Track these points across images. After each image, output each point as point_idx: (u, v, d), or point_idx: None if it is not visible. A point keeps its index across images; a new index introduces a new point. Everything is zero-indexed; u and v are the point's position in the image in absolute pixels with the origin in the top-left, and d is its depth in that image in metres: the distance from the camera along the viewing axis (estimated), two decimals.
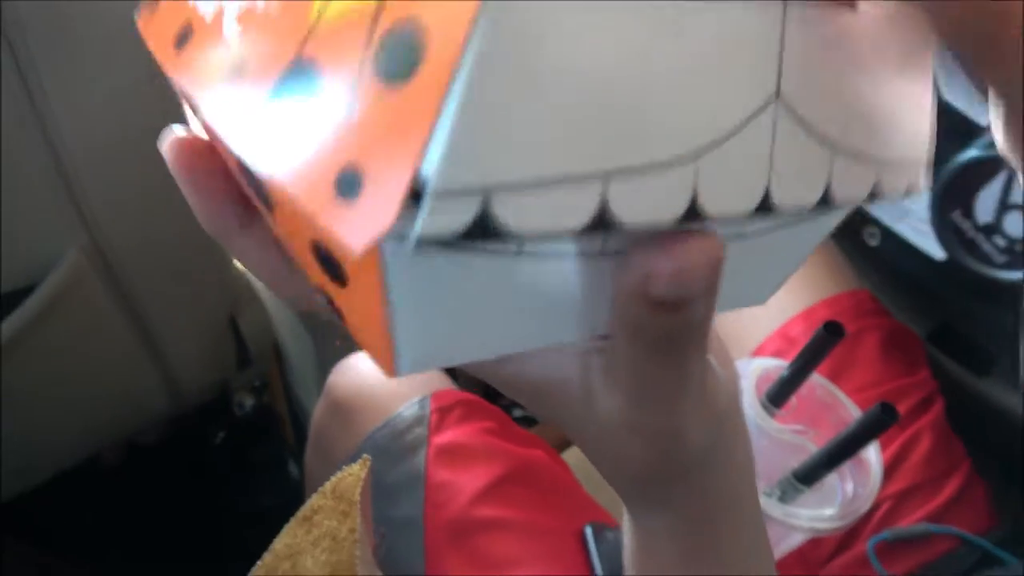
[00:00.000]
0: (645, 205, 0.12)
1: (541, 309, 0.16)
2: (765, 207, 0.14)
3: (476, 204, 0.10)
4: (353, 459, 0.29)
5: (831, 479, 0.39)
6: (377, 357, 0.15)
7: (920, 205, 0.52)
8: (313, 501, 0.25)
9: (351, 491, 0.25)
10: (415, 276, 0.13)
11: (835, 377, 0.47)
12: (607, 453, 0.19)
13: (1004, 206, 0.44)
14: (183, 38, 0.15)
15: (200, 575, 0.74)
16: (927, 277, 0.54)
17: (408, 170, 0.10)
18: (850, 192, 0.15)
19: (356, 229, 0.10)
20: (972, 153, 0.45)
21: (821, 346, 0.39)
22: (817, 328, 0.39)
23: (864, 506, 0.38)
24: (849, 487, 0.39)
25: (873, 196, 0.16)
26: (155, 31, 0.16)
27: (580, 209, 0.11)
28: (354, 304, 0.15)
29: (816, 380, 0.42)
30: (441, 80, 0.10)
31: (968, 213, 0.46)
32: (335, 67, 0.11)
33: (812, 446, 0.40)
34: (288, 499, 0.77)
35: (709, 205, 0.13)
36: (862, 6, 0.15)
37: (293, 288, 0.18)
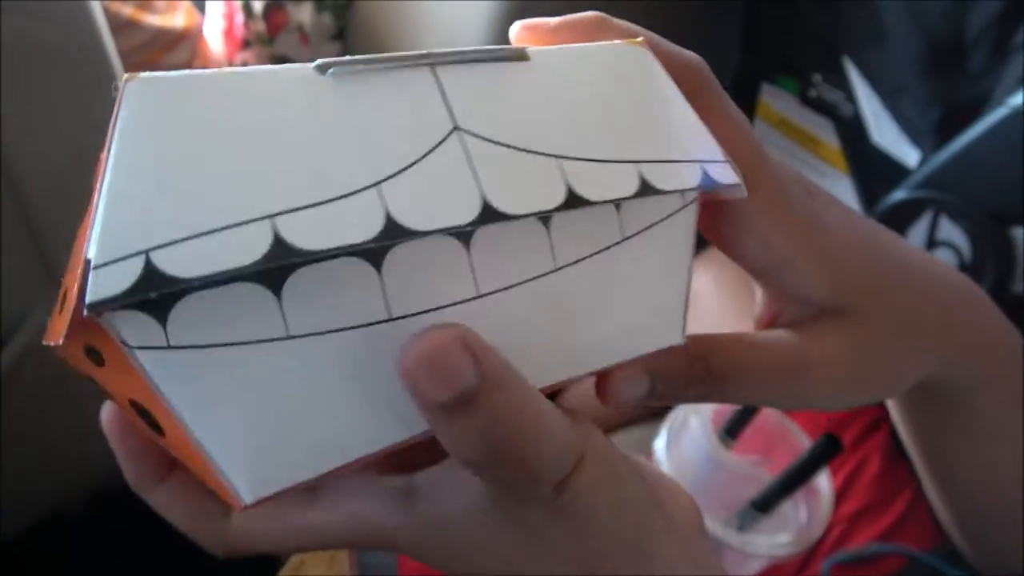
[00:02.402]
0: (325, 232, 0.13)
1: (368, 399, 0.15)
2: (490, 216, 0.15)
3: (139, 264, 0.11)
4: None
5: (786, 507, 0.41)
6: (221, 493, 0.15)
7: None
8: (301, 554, 0.26)
9: None
10: (193, 389, 0.13)
11: None
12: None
13: (932, 242, 0.48)
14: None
15: None
16: None
17: (78, 266, 0.12)
18: (604, 188, 0.16)
19: (54, 330, 0.12)
20: (900, 194, 0.48)
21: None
22: None
23: (818, 531, 0.41)
24: (803, 514, 0.42)
25: (649, 188, 0.17)
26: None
27: (250, 247, 0.12)
28: (178, 450, 0.15)
29: (768, 410, 0.45)
30: (98, 177, 0.12)
31: None
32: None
33: (767, 475, 0.43)
34: None
35: (410, 220, 0.14)
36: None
37: (209, 535, 0.19)
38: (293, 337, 0.14)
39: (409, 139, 0.14)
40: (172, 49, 0.65)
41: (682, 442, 0.44)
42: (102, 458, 0.67)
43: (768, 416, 0.45)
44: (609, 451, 0.18)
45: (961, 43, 0.47)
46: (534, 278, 0.17)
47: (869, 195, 0.57)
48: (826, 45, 0.57)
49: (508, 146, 0.15)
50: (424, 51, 0.15)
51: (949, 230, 0.47)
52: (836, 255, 0.22)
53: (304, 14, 0.71)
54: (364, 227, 0.13)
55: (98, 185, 0.12)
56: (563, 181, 0.16)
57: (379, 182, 0.14)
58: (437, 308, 0.15)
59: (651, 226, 0.18)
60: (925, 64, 0.49)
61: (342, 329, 0.14)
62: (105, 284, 0.11)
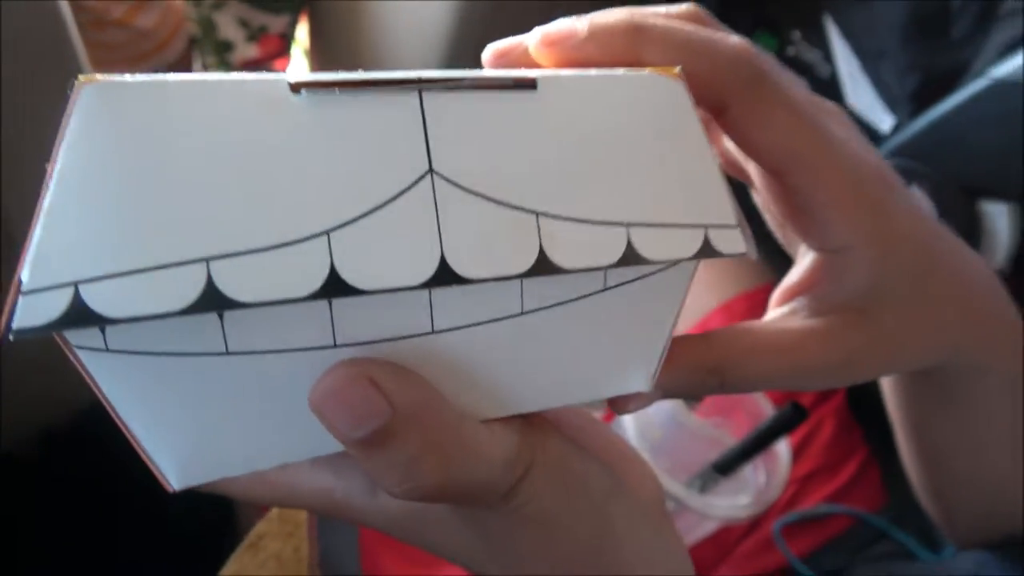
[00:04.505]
0: (261, 282, 0.12)
1: (300, 415, 0.15)
2: (445, 278, 0.13)
3: (67, 296, 0.11)
4: None
5: (746, 470, 0.42)
6: (154, 473, 0.15)
7: None
8: (259, 527, 0.25)
9: (297, 514, 0.25)
10: (129, 388, 0.14)
11: None
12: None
13: None
14: None
15: (121, 570, 0.72)
16: None
17: (15, 278, 0.12)
18: (582, 254, 0.15)
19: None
20: None
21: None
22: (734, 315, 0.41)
23: (775, 494, 0.41)
24: (761, 477, 0.42)
25: (634, 256, 0.15)
26: None
27: (180, 292, 0.12)
28: (123, 427, 0.15)
29: None
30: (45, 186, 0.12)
31: None
32: None
33: (729, 438, 0.43)
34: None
35: (355, 277, 0.13)
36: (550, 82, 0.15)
37: None
38: (232, 353, 0.14)
39: (376, 180, 0.13)
40: None
41: None
42: (48, 399, 0.64)
43: None
44: (564, 453, 0.18)
45: (946, 9, 0.46)
46: (496, 320, 0.16)
47: None
48: (808, 2, 0.56)
49: (483, 196, 0.14)
50: (413, 74, 0.13)
51: (918, 200, 0.47)
52: (891, 249, 0.21)
53: None
54: (304, 281, 0.13)
55: (41, 199, 0.12)
56: (536, 243, 0.14)
57: (331, 229, 0.13)
58: (385, 340, 0.15)
59: (639, 279, 0.17)
60: (907, 28, 0.48)
61: (283, 351, 0.14)
62: (32, 312, 0.11)
